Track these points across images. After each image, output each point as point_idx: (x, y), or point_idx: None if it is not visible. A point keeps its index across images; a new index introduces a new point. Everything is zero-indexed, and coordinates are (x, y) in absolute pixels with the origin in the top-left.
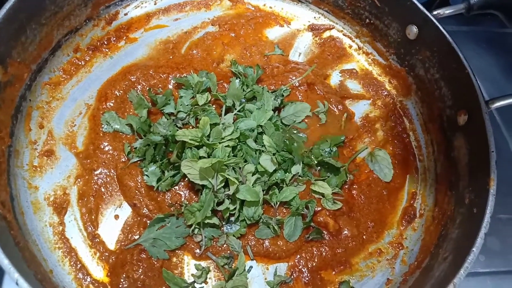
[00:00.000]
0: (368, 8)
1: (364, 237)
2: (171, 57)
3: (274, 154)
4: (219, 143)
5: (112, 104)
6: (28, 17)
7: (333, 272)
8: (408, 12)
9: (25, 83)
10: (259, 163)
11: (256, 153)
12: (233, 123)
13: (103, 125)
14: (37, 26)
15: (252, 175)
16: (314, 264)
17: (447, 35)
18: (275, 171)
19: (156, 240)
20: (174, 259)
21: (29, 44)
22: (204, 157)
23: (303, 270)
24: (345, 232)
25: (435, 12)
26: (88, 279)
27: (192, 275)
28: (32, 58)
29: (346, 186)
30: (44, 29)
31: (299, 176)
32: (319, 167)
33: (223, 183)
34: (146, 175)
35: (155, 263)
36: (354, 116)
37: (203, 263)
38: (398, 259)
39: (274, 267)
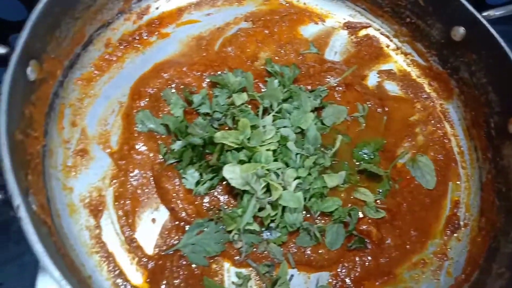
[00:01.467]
0: (409, 7)
1: (407, 246)
2: (204, 54)
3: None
4: (260, 146)
5: (146, 103)
6: (63, 11)
7: (377, 283)
8: (455, 12)
9: (57, 80)
10: (301, 167)
11: (296, 157)
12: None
13: (137, 125)
14: (71, 20)
15: (294, 180)
16: (357, 274)
17: (498, 38)
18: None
19: (196, 246)
20: (214, 266)
21: (63, 39)
22: (245, 161)
23: (346, 280)
24: (388, 241)
25: (485, 14)
26: (128, 286)
27: (233, 283)
28: (65, 53)
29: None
30: (78, 23)
31: (342, 184)
32: (360, 174)
33: (265, 189)
34: (185, 177)
35: (196, 270)
36: (394, 119)
37: (244, 271)
38: (443, 271)
39: (316, 276)
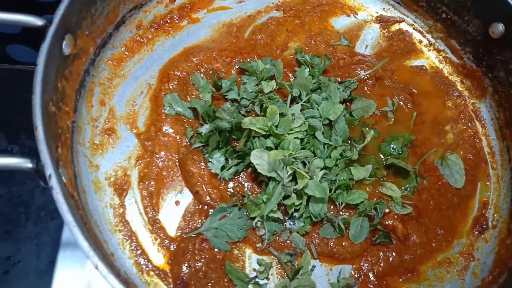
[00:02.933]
0: (446, 2)
1: (433, 244)
2: (234, 40)
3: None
4: (288, 134)
5: (174, 86)
6: None
7: (400, 279)
8: (495, 8)
9: (89, 58)
10: (328, 157)
11: (324, 147)
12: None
13: (165, 107)
14: None
15: (320, 170)
16: (380, 269)
17: None
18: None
19: (218, 230)
20: (236, 252)
21: (97, 17)
22: (271, 148)
23: (369, 274)
24: (413, 238)
25: None
26: (149, 266)
27: (255, 270)
28: (99, 32)
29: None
30: (112, 2)
31: (369, 177)
32: (387, 169)
33: (291, 177)
34: (211, 161)
35: (217, 254)
36: (424, 115)
37: (266, 258)
38: (468, 271)
39: (338, 268)
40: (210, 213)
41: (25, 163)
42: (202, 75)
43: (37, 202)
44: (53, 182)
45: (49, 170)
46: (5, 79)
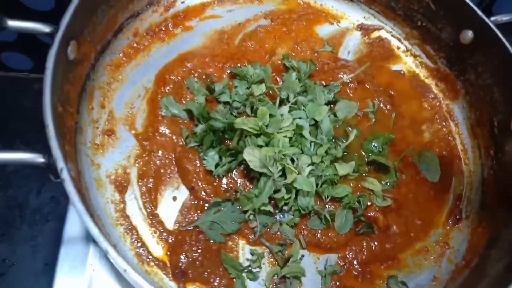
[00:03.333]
0: (421, 11)
1: (411, 234)
2: (225, 47)
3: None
4: (277, 133)
5: (170, 89)
6: None
7: (382, 266)
8: (465, 17)
9: (90, 63)
10: (314, 155)
11: (311, 145)
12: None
13: (161, 109)
14: (107, 7)
15: (307, 166)
16: (363, 257)
17: (505, 42)
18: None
19: (213, 224)
20: (230, 243)
21: (98, 25)
22: (262, 146)
23: (353, 262)
24: (394, 228)
25: (493, 18)
26: (150, 257)
27: (248, 259)
28: (99, 38)
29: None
30: (112, 11)
31: (352, 173)
32: (369, 166)
33: (281, 172)
34: (206, 159)
35: (213, 245)
36: (402, 116)
37: (258, 249)
38: (444, 258)
39: (325, 257)
40: (206, 207)
41: (38, 158)
42: (196, 79)
43: (32, 205)
44: (65, 175)
45: (60, 164)
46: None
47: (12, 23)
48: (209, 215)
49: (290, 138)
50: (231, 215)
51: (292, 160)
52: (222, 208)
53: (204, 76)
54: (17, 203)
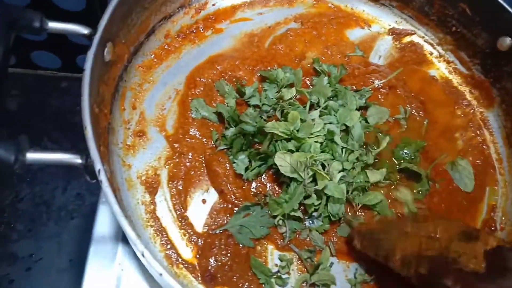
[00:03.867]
0: (456, 16)
1: None
2: (255, 50)
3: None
4: (308, 138)
5: (200, 91)
6: (136, 0)
7: None
8: (503, 23)
9: (123, 64)
10: (345, 161)
11: (342, 151)
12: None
13: (192, 111)
14: (141, 9)
15: (338, 173)
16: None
17: None
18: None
19: (242, 227)
20: (259, 248)
21: (132, 27)
22: (293, 151)
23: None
24: None
25: None
26: (179, 259)
27: (276, 265)
28: (132, 40)
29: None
30: (146, 13)
31: (383, 180)
32: (400, 173)
33: (311, 178)
34: (236, 163)
35: (242, 249)
36: (435, 123)
37: (287, 254)
38: None
39: (355, 266)
40: (235, 211)
41: (76, 159)
42: (226, 82)
43: (57, 202)
44: (102, 176)
45: (98, 165)
46: (27, 84)
47: (52, 25)
48: (238, 219)
49: (321, 144)
50: (260, 220)
51: (323, 166)
52: (251, 212)
53: (234, 79)
54: (44, 200)
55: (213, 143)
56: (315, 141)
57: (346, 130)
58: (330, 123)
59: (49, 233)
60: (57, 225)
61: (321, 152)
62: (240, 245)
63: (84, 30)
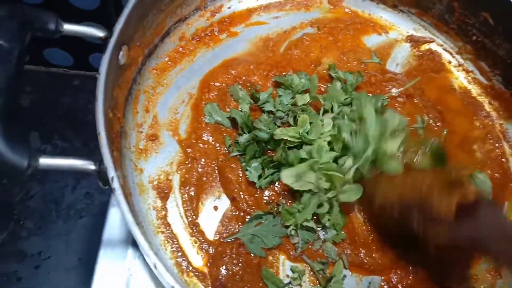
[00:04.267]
0: (477, 25)
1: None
2: (270, 55)
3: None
4: (318, 138)
5: (214, 96)
6: (153, 3)
7: None
8: None
9: (138, 67)
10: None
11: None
12: None
13: (205, 116)
14: (157, 12)
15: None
16: (408, 282)
17: None
18: None
19: (254, 237)
20: (270, 258)
21: (147, 29)
22: (306, 159)
23: (398, 286)
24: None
25: None
26: (189, 267)
27: (288, 276)
28: (147, 42)
29: None
30: (161, 15)
31: None
32: None
33: (327, 184)
34: (249, 170)
35: (253, 259)
36: (452, 134)
37: (299, 266)
38: None
39: (368, 279)
40: (247, 219)
41: (89, 165)
42: (240, 87)
43: (67, 201)
44: (116, 184)
45: (111, 173)
46: (40, 81)
47: (68, 27)
48: (250, 227)
49: (329, 142)
50: (273, 229)
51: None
52: (263, 221)
53: (248, 84)
54: (53, 198)
55: (226, 149)
56: (324, 141)
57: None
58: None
59: (58, 231)
60: (66, 223)
61: (331, 149)
62: (252, 255)
63: (100, 33)
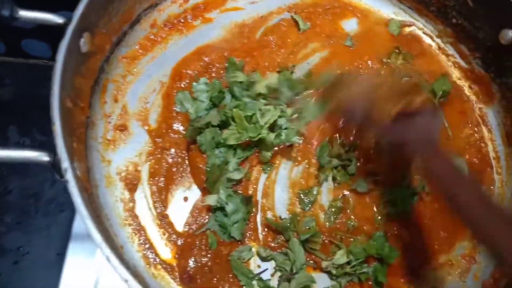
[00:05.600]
0: (457, 8)
1: (435, 246)
2: (245, 41)
3: None
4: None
5: (186, 84)
6: None
7: (402, 280)
8: (506, 15)
9: (105, 55)
10: None
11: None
12: None
13: (176, 105)
14: None
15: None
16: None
17: None
18: None
19: (225, 224)
20: (241, 248)
21: (114, 16)
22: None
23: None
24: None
25: None
26: (157, 259)
27: (259, 266)
28: (114, 30)
29: None
30: (129, 1)
31: None
32: None
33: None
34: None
35: (223, 250)
36: None
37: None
38: (470, 274)
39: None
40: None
41: (42, 157)
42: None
43: (47, 195)
44: (69, 176)
45: (65, 164)
46: (19, 73)
47: (24, 13)
48: (220, 215)
49: None
50: (243, 215)
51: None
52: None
53: (221, 72)
54: (33, 192)
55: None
56: None
57: None
58: None
59: (38, 226)
60: (46, 218)
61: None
62: (222, 247)
63: (59, 19)
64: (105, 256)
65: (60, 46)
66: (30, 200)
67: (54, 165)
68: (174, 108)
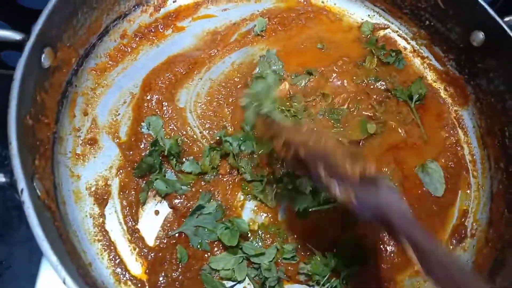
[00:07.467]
0: (429, 9)
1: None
2: (218, 49)
3: None
4: None
5: (157, 95)
6: (81, 0)
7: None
8: (475, 17)
9: (72, 68)
10: None
11: None
12: None
13: (143, 125)
14: (89, 9)
15: None
16: (356, 280)
17: None
18: None
19: (198, 228)
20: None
21: (79, 28)
22: None
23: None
24: (391, 247)
25: (506, 19)
26: (127, 275)
27: None
28: (81, 42)
29: None
30: (95, 13)
31: None
32: None
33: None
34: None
35: (194, 264)
36: None
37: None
38: None
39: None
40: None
41: None
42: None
43: None
44: (25, 196)
45: (21, 184)
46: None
47: None
48: (193, 219)
49: None
50: (215, 214)
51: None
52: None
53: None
54: (16, 204)
55: None
56: None
57: None
58: None
59: (21, 238)
60: (29, 229)
61: None
62: (192, 261)
63: (16, 36)
64: (61, 278)
65: (18, 63)
66: (13, 212)
67: (12, 185)
68: (140, 129)
